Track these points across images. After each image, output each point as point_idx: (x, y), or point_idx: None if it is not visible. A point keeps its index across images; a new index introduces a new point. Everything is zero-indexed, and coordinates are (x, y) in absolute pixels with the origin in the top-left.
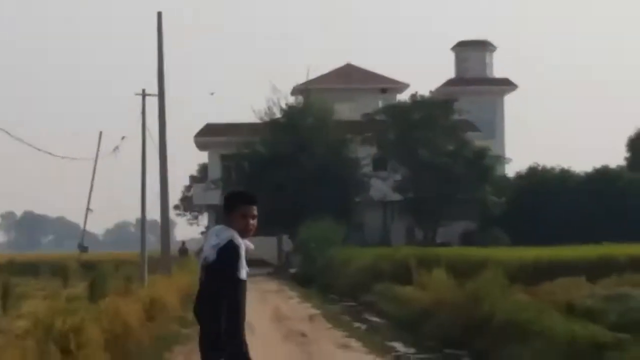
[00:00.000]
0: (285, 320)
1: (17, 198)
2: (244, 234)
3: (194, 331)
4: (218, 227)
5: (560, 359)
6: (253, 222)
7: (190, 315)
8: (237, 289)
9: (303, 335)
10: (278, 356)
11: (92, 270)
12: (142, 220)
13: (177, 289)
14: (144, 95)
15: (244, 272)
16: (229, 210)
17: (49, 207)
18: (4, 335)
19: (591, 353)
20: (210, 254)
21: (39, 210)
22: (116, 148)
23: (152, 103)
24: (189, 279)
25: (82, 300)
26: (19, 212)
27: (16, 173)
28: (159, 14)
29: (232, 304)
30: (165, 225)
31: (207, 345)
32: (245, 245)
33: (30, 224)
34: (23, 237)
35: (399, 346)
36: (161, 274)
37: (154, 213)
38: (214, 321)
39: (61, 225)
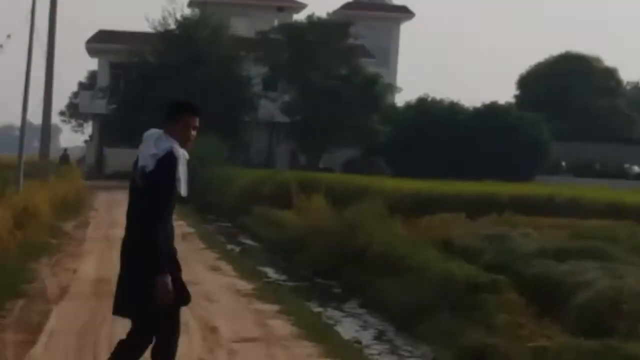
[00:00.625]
0: None
1: None
2: (183, 144)
3: (64, 242)
4: (154, 132)
5: (434, 297)
6: (194, 133)
7: (62, 225)
8: (172, 200)
9: None
10: None
11: None
12: (22, 121)
13: (52, 197)
14: None
15: (181, 184)
16: (172, 119)
17: None
18: None
19: (466, 293)
20: (148, 163)
21: None
22: (0, 46)
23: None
24: (67, 187)
25: None
26: None
27: None
28: None
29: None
30: (47, 129)
31: (150, 266)
32: (184, 156)
33: None
34: None
35: (270, 272)
36: (38, 179)
37: (39, 117)
38: (153, 237)
39: None
